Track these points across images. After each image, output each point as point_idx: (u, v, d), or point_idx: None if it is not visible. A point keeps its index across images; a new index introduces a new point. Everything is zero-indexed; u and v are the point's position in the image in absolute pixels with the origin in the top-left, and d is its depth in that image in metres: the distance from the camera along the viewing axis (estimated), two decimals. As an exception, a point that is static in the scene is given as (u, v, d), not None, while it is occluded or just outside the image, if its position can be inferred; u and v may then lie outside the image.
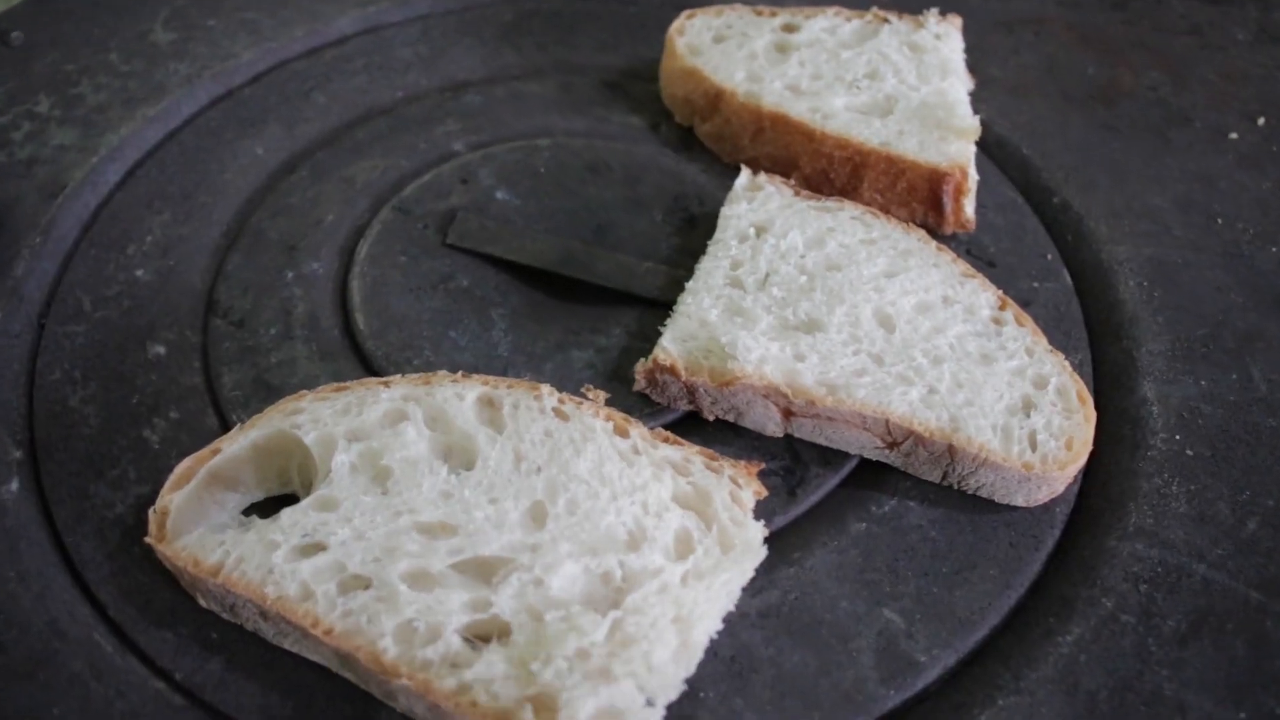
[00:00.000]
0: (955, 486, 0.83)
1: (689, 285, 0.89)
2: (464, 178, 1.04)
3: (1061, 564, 0.80)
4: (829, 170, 1.00)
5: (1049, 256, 1.01)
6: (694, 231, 1.00)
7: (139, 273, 0.97)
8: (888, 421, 0.80)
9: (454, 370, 0.82)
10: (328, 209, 1.02)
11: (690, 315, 0.86)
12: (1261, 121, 1.14)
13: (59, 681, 0.72)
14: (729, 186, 0.98)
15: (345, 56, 1.19)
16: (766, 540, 0.74)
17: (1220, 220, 1.04)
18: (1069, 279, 0.99)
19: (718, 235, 0.93)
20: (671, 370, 0.82)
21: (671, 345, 0.84)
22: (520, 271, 0.97)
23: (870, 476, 0.84)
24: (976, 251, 0.96)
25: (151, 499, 0.76)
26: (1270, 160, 1.10)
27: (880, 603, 0.77)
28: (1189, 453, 0.86)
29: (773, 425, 0.84)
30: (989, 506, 0.82)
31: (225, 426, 0.86)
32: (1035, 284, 0.98)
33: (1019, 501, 0.82)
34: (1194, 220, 1.04)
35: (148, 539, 0.72)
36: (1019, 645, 0.76)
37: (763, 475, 0.82)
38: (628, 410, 0.83)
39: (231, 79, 1.15)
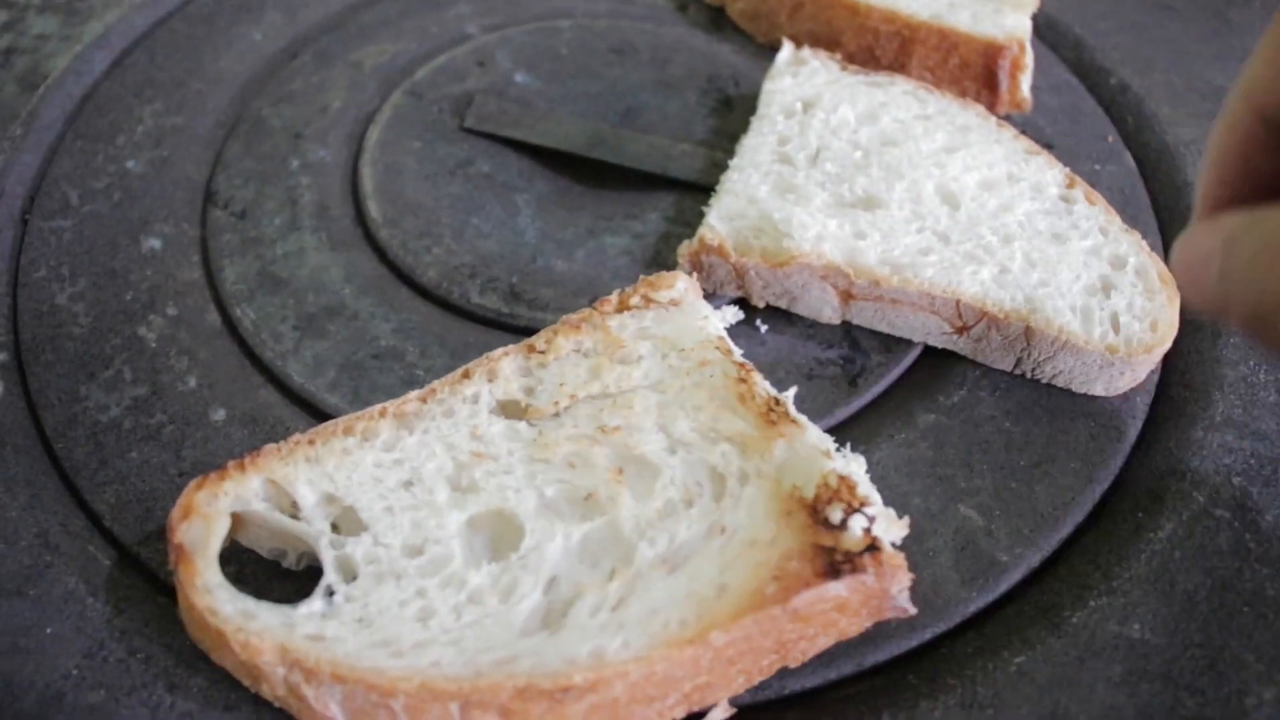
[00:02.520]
0: (1029, 375, 0.77)
1: (733, 162, 0.83)
2: (480, 60, 0.98)
3: (1147, 456, 0.75)
4: (874, 47, 0.94)
5: (1110, 139, 0.95)
6: (731, 114, 0.94)
7: (130, 164, 0.90)
8: (958, 303, 0.73)
9: (479, 262, 0.77)
10: (334, 95, 0.96)
11: (737, 193, 0.80)
12: (1321, -1, 1.08)
13: (52, 598, 0.66)
14: (766, 68, 0.92)
15: (345, -63, 1.11)
16: (829, 434, 0.69)
17: (1285, 101, 0.97)
18: (1131, 162, 0.93)
19: (761, 111, 0.87)
20: (719, 251, 0.76)
21: (719, 224, 0.78)
22: (544, 156, 0.91)
23: (936, 365, 0.79)
24: (1032, 134, 0.89)
25: (149, 401, 0.71)
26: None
27: (955, 499, 0.72)
28: (1274, 339, 0.79)
29: (830, 310, 0.78)
30: (1065, 396, 0.76)
31: (228, 321, 0.80)
32: (1097, 167, 0.92)
33: (1098, 390, 0.76)
34: None
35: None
36: (1107, 542, 0.70)
37: (821, 365, 0.77)
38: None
39: (223, -37, 1.08)
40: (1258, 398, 0.76)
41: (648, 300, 0.73)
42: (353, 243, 0.85)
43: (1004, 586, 0.68)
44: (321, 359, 0.78)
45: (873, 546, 0.59)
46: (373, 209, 0.86)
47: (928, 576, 0.68)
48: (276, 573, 0.67)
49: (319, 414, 0.75)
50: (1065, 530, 0.71)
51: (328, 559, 0.63)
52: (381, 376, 0.77)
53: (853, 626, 0.62)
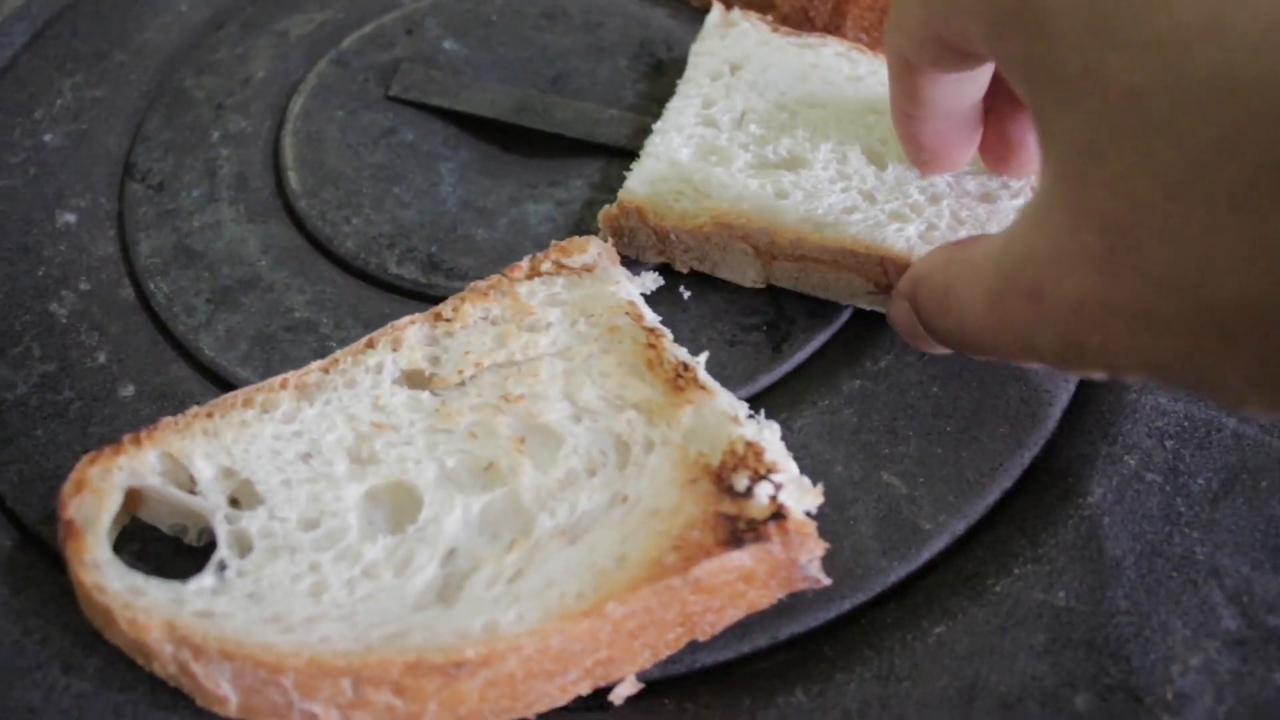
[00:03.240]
0: (957, 337, 0.74)
1: (656, 125, 0.81)
2: (409, 28, 0.95)
3: (1078, 420, 0.72)
4: (809, 8, 0.91)
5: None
6: (661, 79, 0.91)
7: (47, 137, 0.88)
8: (882, 260, 0.71)
9: (398, 232, 0.77)
10: (258, 65, 0.94)
11: (659, 156, 0.78)
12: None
13: (-51, 582, 0.64)
14: (700, 30, 0.89)
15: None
16: (749, 401, 0.67)
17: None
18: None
19: (688, 74, 0.85)
20: (639, 214, 0.74)
21: (638, 187, 0.76)
22: (471, 124, 0.89)
23: (863, 331, 0.76)
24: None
25: (57, 378, 0.70)
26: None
27: (879, 466, 0.69)
28: (1213, 300, 0.77)
29: (753, 273, 0.75)
30: (995, 361, 0.74)
31: (141, 296, 0.78)
32: (1036, 127, 0.89)
33: (1029, 353, 0.73)
34: None
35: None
36: (1035, 508, 0.68)
37: (745, 330, 0.75)
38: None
39: (152, -69, 1.05)
40: (1194, 359, 0.74)
41: (560, 266, 0.71)
42: (271, 214, 0.83)
43: (926, 555, 0.66)
44: (234, 332, 0.76)
45: (778, 514, 0.57)
46: (292, 180, 0.84)
47: (848, 546, 0.66)
48: (180, 549, 0.65)
49: (229, 388, 0.72)
50: (992, 497, 0.69)
51: (222, 534, 0.61)
52: (294, 349, 0.75)
53: (763, 598, 0.60)
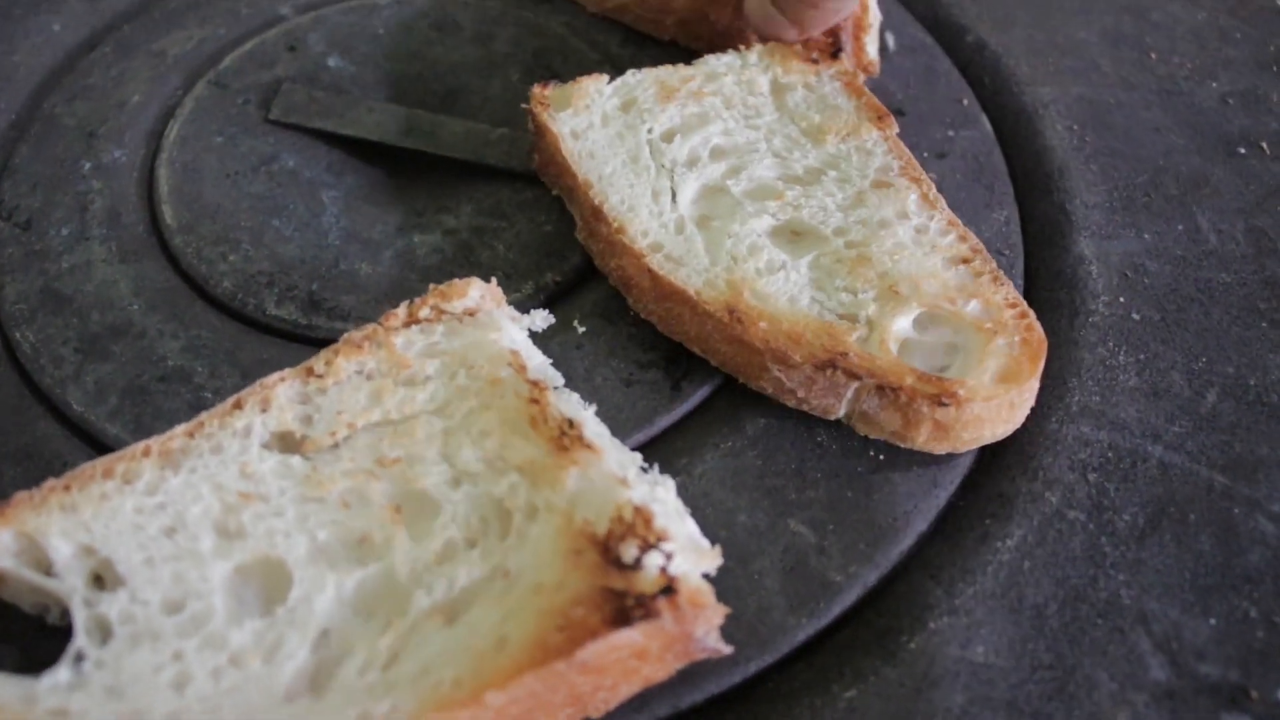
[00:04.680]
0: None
1: None
2: (291, 45, 0.91)
3: (997, 455, 0.69)
4: (710, 10, 0.87)
5: (965, 102, 0.89)
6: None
7: (-92, 175, 0.83)
8: None
9: (278, 269, 0.72)
10: (134, 88, 0.89)
11: None
12: (1193, -56, 1.02)
13: None
14: (597, 39, 0.86)
15: (157, -85, 1.03)
16: (647, 446, 0.63)
17: (1154, 54, 0.93)
18: (988, 126, 0.88)
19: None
20: None
21: None
22: (356, 148, 0.85)
23: (769, 365, 0.72)
24: (883, 99, 0.83)
25: None
26: (1205, -14, 0.99)
27: (786, 513, 0.66)
28: (1135, 317, 0.75)
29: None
30: (909, 393, 0.70)
31: (7, 345, 0.74)
32: (951, 133, 0.86)
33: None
34: (1124, 55, 0.94)
35: None
36: (951, 554, 0.65)
37: (642, 367, 0.71)
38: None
39: (21, -53, 1.00)
40: (1117, 382, 0.71)
41: (439, 312, 0.67)
42: (144, 252, 0.78)
43: (836, 610, 0.63)
44: (104, 384, 0.71)
45: (670, 588, 0.53)
46: (167, 214, 0.79)
47: (752, 603, 0.62)
48: (46, 628, 0.60)
49: (99, 446, 0.69)
50: (906, 543, 0.65)
51: (79, 619, 0.56)
52: (167, 401, 0.70)
53: (659, 672, 0.56)
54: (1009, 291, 0.69)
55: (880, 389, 0.64)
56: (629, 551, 0.55)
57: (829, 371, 0.65)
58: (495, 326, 0.66)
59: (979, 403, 0.64)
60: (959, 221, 0.72)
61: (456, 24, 0.93)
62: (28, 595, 0.60)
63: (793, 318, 0.67)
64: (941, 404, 0.64)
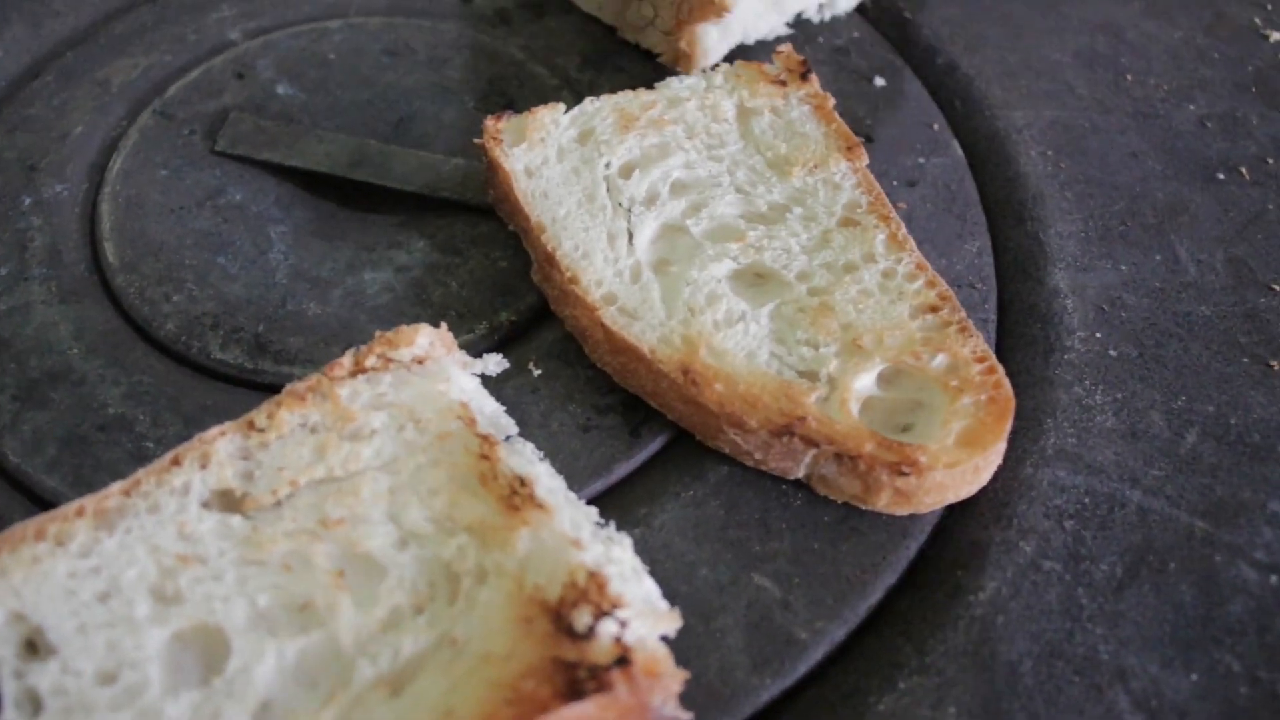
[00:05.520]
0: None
1: None
2: (239, 72, 0.88)
3: (969, 502, 0.67)
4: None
5: (935, 127, 0.87)
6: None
7: None
8: None
9: (223, 310, 0.69)
10: (76, 119, 0.86)
11: None
12: (1168, -38, 1.01)
13: None
14: (555, 63, 0.84)
15: (102, -63, 1.00)
16: (605, 495, 0.62)
17: (1130, 75, 0.92)
18: (960, 151, 0.86)
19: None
20: None
21: None
22: (305, 180, 0.82)
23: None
24: (850, 124, 0.80)
25: None
26: (1180, 7, 0.98)
27: (749, 566, 0.63)
28: (1112, 353, 0.73)
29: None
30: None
31: (-59, 398, 0.71)
32: (921, 160, 0.84)
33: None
34: (1099, 76, 0.92)
35: None
36: (921, 608, 0.63)
37: (600, 412, 0.68)
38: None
39: (-36, -28, 0.97)
40: (1093, 423, 0.69)
41: (386, 360, 0.64)
42: (85, 292, 0.75)
43: (802, 669, 0.60)
44: (41, 433, 0.68)
45: (624, 658, 0.51)
46: (109, 251, 0.77)
47: (714, 662, 0.60)
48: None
49: (36, 499, 0.66)
50: (874, 597, 0.63)
51: (9, 692, 0.54)
52: (107, 451, 0.68)
53: (614, 743, 0.53)
54: (977, 344, 0.66)
55: (839, 456, 0.62)
56: (582, 619, 0.52)
57: (785, 438, 0.63)
58: (444, 376, 0.63)
59: (941, 470, 0.62)
60: (927, 265, 0.70)
61: (410, 48, 0.90)
62: None
63: (750, 378, 0.65)
64: (901, 473, 0.61)
